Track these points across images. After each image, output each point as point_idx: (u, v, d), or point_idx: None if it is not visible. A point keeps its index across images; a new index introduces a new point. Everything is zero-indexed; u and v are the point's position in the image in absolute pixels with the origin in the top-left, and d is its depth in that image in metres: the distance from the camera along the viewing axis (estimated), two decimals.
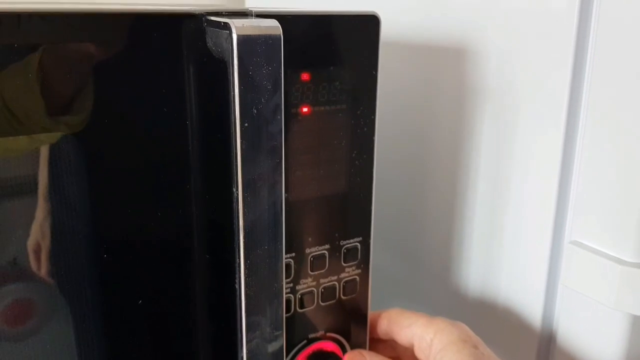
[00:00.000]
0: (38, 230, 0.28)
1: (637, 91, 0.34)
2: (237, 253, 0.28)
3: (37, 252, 0.29)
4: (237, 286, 0.29)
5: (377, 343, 0.42)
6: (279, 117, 0.28)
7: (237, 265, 0.29)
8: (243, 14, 0.30)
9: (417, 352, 0.39)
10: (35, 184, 0.28)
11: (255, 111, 0.27)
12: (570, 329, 0.41)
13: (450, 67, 0.46)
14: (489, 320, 0.47)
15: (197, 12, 0.29)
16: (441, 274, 0.50)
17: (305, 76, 0.33)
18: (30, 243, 0.28)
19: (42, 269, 0.29)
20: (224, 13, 0.29)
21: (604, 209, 0.37)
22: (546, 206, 0.40)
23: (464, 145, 0.46)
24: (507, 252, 0.44)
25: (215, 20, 0.28)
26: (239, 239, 0.28)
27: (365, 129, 0.37)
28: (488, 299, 0.46)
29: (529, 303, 0.43)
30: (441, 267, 0.50)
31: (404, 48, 0.50)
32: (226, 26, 0.26)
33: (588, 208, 0.38)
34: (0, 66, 0.26)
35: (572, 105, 0.38)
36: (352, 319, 0.40)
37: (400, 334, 0.40)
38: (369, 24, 0.35)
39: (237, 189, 0.27)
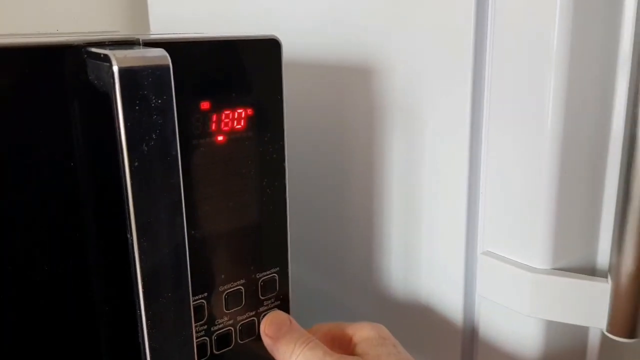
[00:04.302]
0: None
1: (533, 102, 0.35)
2: (137, 304, 0.26)
3: None
4: (140, 340, 0.26)
5: None
6: (174, 152, 0.26)
7: (138, 317, 0.26)
8: (129, 43, 0.28)
9: (337, 350, 0.37)
10: None
11: (146, 148, 0.25)
12: (490, 336, 0.41)
13: (359, 86, 0.46)
14: (413, 330, 0.46)
15: (76, 43, 0.27)
16: (365, 288, 0.50)
17: (205, 105, 0.32)
18: None
19: None
20: (107, 43, 0.27)
21: (512, 219, 0.38)
22: (457, 219, 0.40)
23: (377, 162, 0.46)
24: (424, 267, 0.44)
25: (94, 52, 0.26)
26: (137, 289, 0.26)
27: (275, 155, 0.36)
28: (411, 310, 0.46)
29: (449, 314, 0.43)
30: (365, 281, 0.50)
31: (313, 69, 0.49)
32: (106, 58, 0.24)
33: (496, 219, 0.39)
34: None
35: (475, 119, 0.38)
36: None
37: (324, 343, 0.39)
38: (269, 48, 0.34)
39: (130, 235, 0.25)
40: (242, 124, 0.34)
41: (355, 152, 0.47)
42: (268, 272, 0.37)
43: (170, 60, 0.25)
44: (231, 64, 0.33)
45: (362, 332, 0.37)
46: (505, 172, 0.38)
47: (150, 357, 0.26)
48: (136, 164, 0.25)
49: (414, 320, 0.46)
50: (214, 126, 0.32)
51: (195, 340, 0.29)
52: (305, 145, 0.52)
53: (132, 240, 0.25)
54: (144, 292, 0.25)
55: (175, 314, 0.27)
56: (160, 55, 0.25)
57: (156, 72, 0.25)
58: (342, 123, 0.48)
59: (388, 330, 0.38)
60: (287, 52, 0.35)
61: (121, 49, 0.25)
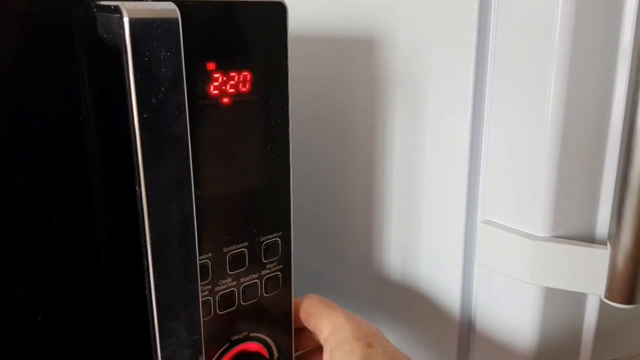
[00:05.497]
0: None
1: (536, 72, 0.35)
2: (144, 256, 0.26)
3: None
4: (147, 292, 0.27)
5: (300, 332, 0.41)
6: (182, 107, 0.26)
7: (145, 269, 0.26)
8: None
9: (322, 344, 0.38)
10: None
11: (154, 101, 0.25)
12: (489, 305, 0.42)
13: (360, 58, 0.46)
14: (411, 305, 0.47)
15: None
16: (363, 264, 0.50)
17: (211, 65, 0.32)
18: None
19: None
20: None
21: (512, 188, 0.38)
22: (458, 189, 0.41)
23: (378, 135, 0.46)
24: (424, 238, 0.45)
25: (104, 5, 0.26)
26: (145, 241, 0.26)
27: (279, 120, 0.36)
28: (409, 285, 0.47)
29: (448, 285, 0.44)
30: (362, 258, 0.50)
31: (315, 41, 0.49)
32: (116, 9, 0.24)
33: (497, 188, 0.39)
34: None
35: (477, 88, 0.39)
36: (276, 316, 0.38)
37: (309, 322, 0.39)
38: (275, 11, 0.34)
39: (139, 187, 0.25)
40: (247, 86, 0.34)
41: (357, 121, 0.47)
42: (271, 236, 0.37)
43: (179, 14, 0.25)
44: (237, 25, 0.32)
45: (337, 333, 0.37)
46: (506, 141, 0.38)
47: (157, 309, 0.27)
48: (145, 115, 0.25)
49: (412, 290, 0.47)
50: (219, 88, 0.32)
51: (200, 297, 0.29)
52: (302, 119, 0.52)
53: (140, 192, 0.25)
54: (152, 244, 0.26)
55: (182, 268, 0.27)
56: (170, 9, 0.25)
57: (165, 24, 0.25)
58: (340, 98, 0.48)
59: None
60: (291, 22, 0.35)
61: (130, 1, 0.25)
